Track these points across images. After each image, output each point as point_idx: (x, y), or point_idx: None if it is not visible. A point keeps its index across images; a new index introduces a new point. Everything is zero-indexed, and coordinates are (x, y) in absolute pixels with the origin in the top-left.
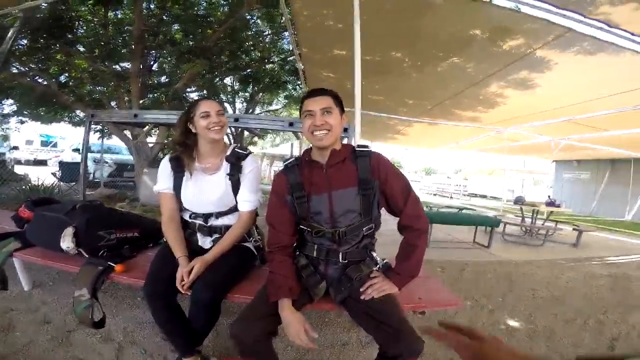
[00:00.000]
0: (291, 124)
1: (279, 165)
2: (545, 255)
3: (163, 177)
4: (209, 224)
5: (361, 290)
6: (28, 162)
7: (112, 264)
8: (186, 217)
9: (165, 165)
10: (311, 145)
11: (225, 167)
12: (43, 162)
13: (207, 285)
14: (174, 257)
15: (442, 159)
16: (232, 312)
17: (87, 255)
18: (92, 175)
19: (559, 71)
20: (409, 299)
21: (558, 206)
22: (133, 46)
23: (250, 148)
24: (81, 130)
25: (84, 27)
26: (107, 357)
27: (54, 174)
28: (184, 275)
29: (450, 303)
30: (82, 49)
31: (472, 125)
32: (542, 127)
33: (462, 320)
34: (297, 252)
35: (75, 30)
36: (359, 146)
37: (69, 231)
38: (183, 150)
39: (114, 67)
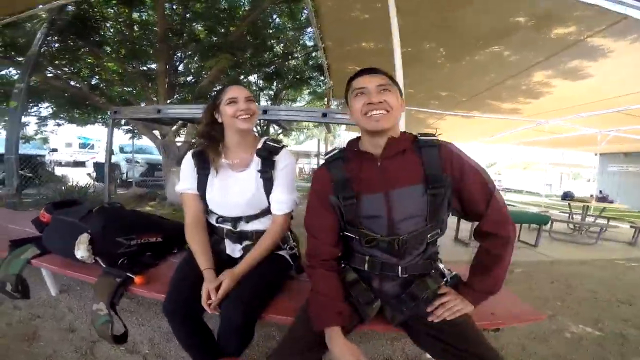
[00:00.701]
0: (324, 115)
1: (303, 163)
2: (600, 255)
3: (186, 176)
4: (238, 229)
5: (428, 310)
6: (68, 164)
7: (131, 275)
8: (212, 221)
9: (187, 162)
10: (360, 134)
11: (256, 162)
12: (81, 164)
13: (238, 304)
14: (199, 267)
15: (475, 153)
16: (265, 327)
17: (103, 265)
18: (125, 175)
19: (613, 60)
20: (480, 315)
21: (611, 202)
22: (157, 46)
23: None
24: (115, 132)
25: (111, 29)
26: None
27: (89, 175)
28: (211, 292)
29: (532, 317)
30: (108, 49)
31: (510, 118)
32: (587, 118)
33: (522, 328)
34: (344, 265)
35: (101, 32)
36: (422, 134)
37: (83, 238)
38: (208, 144)
39: (141, 67)
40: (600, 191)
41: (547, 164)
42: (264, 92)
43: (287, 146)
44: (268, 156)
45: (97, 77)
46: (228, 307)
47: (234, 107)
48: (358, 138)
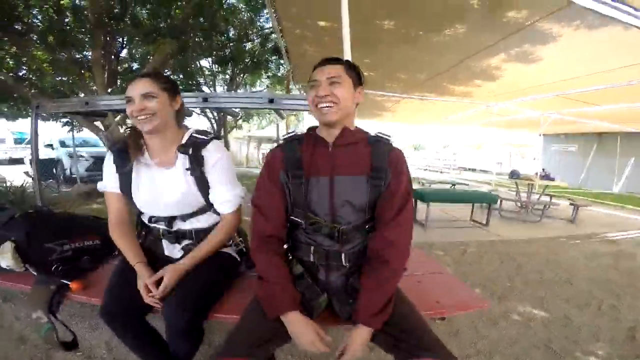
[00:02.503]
0: (271, 101)
1: (267, 148)
2: (544, 233)
3: (107, 174)
4: (174, 229)
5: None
6: (2, 162)
7: (66, 281)
8: (146, 220)
9: (108, 160)
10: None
11: (182, 160)
12: (19, 161)
13: (181, 306)
14: None
15: (430, 135)
16: (220, 324)
17: (34, 273)
18: (68, 171)
19: (558, 45)
20: (425, 304)
21: (553, 179)
22: (92, 32)
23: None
24: (53, 125)
25: (38, 16)
26: None
27: (26, 173)
28: (150, 286)
29: (475, 305)
30: (35, 37)
31: (463, 101)
32: (531, 101)
33: (472, 313)
34: (290, 257)
35: (25, 19)
36: (379, 132)
37: (7, 247)
38: (127, 140)
39: (76, 56)
40: (543, 169)
41: (497, 143)
42: (219, 77)
43: (218, 137)
44: (194, 151)
45: (25, 67)
46: (171, 311)
47: (129, 107)
48: (317, 126)
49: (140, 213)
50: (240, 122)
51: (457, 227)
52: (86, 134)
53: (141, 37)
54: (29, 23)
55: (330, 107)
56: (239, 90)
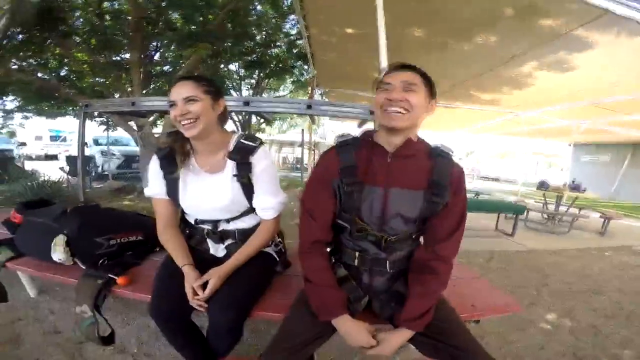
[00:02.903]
0: (309, 107)
1: (287, 152)
2: (572, 244)
3: (153, 180)
4: (219, 229)
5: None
6: (39, 158)
7: (113, 276)
8: (191, 221)
9: (154, 166)
10: (378, 126)
11: (231, 165)
12: (54, 157)
13: (226, 305)
14: None
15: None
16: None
17: (83, 267)
18: (100, 168)
19: (594, 53)
20: (460, 307)
21: (583, 191)
22: (131, 35)
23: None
24: (88, 123)
25: (80, 18)
26: None
27: (61, 169)
28: (197, 289)
29: (510, 308)
30: (78, 40)
31: (490, 109)
32: (562, 110)
33: (500, 318)
34: (334, 261)
35: (69, 22)
36: (440, 145)
37: (59, 240)
38: (174, 146)
39: (113, 58)
40: (573, 180)
41: (523, 153)
42: (245, 81)
43: (264, 143)
44: (243, 159)
45: (66, 68)
46: (217, 309)
47: (173, 111)
48: (374, 130)
49: (184, 213)
50: (264, 125)
51: (481, 236)
52: (118, 133)
53: (178, 41)
54: (71, 25)
55: (402, 113)
56: (263, 94)
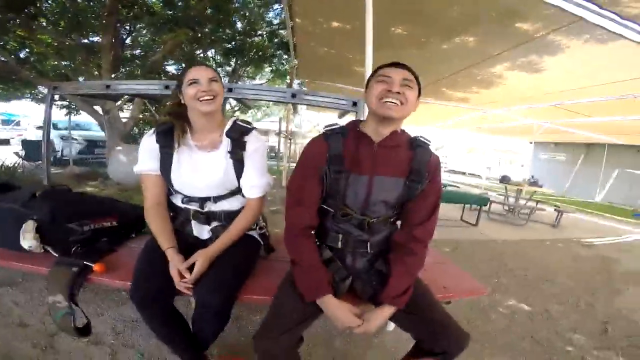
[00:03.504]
0: (294, 95)
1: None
2: (529, 235)
3: (146, 156)
4: (205, 210)
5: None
6: None
7: (89, 263)
8: (177, 202)
9: (149, 141)
10: (368, 116)
11: (226, 143)
12: (5, 142)
13: (213, 287)
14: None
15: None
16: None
17: (55, 255)
18: (60, 153)
19: (565, 56)
20: (433, 289)
21: (541, 186)
22: (105, 18)
23: None
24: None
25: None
26: None
27: (16, 153)
28: (183, 272)
29: (478, 291)
30: (45, 22)
31: (462, 106)
32: (526, 110)
33: (465, 304)
34: (318, 243)
35: (37, 3)
36: (420, 137)
37: (29, 226)
38: (174, 122)
39: (82, 40)
40: (532, 176)
41: (488, 149)
42: (222, 67)
43: (256, 128)
44: (239, 137)
45: (28, 50)
46: (204, 292)
47: (194, 88)
48: (360, 120)
49: (170, 194)
50: (237, 113)
51: (447, 226)
52: (78, 117)
53: (157, 25)
54: (39, 7)
55: (398, 104)
56: (239, 82)
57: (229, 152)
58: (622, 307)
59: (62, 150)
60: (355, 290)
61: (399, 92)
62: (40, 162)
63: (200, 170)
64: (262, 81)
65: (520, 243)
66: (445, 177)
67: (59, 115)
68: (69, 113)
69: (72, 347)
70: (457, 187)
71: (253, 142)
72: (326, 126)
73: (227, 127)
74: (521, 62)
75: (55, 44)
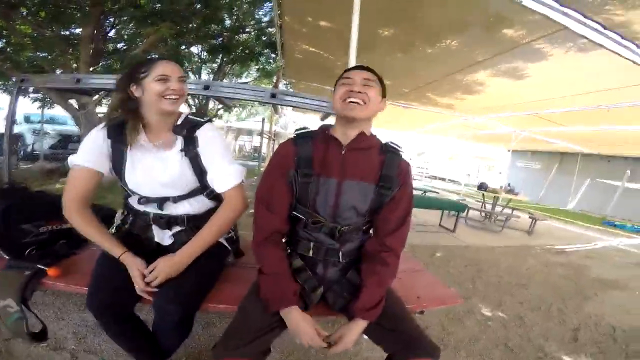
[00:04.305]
0: (273, 95)
1: (245, 140)
2: (504, 242)
3: (90, 148)
4: (165, 212)
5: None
6: None
7: (42, 266)
8: (134, 203)
9: (98, 136)
10: (336, 120)
11: (179, 141)
12: None
13: (173, 298)
14: None
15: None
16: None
17: (7, 257)
18: (30, 147)
19: (548, 64)
20: (407, 298)
21: (517, 194)
22: (88, 9)
23: (216, 122)
24: (21, 100)
25: None
26: None
27: None
28: (138, 277)
29: (451, 300)
30: (26, 11)
31: (444, 112)
32: (505, 117)
33: (440, 310)
34: (290, 251)
35: None
36: (390, 142)
37: None
38: (129, 118)
39: (62, 32)
40: (509, 184)
41: (468, 156)
42: (207, 65)
43: (212, 120)
44: (189, 132)
45: (4, 40)
46: (161, 303)
47: (163, 85)
48: (330, 125)
49: (128, 196)
50: (221, 112)
51: (426, 231)
52: (54, 111)
53: (141, 18)
54: None
55: (361, 104)
56: (224, 80)
57: (181, 150)
58: (592, 313)
59: (32, 145)
60: (327, 301)
61: (360, 92)
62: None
63: (155, 170)
64: (248, 80)
65: (495, 249)
66: (425, 183)
67: (32, 108)
68: (41, 106)
69: (30, 352)
70: (437, 192)
71: (205, 134)
72: (296, 130)
73: (178, 122)
74: (505, 69)
75: (35, 34)
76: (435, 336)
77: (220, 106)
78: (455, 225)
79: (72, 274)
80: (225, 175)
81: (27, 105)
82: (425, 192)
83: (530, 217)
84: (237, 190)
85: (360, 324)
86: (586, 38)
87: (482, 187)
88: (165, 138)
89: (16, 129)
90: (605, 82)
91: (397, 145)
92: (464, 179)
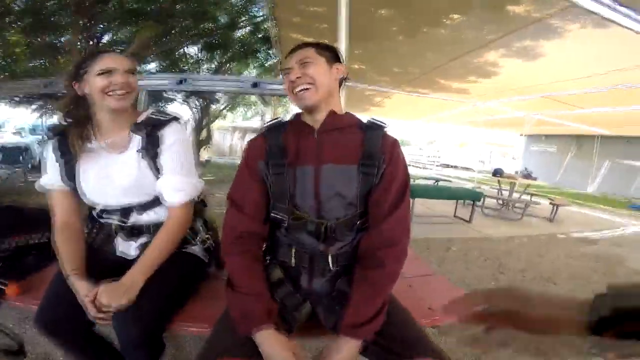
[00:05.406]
0: (255, 85)
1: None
2: (525, 231)
3: (50, 167)
4: (129, 222)
5: None
6: None
7: (2, 283)
8: (95, 214)
9: (49, 150)
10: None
11: (137, 141)
12: None
13: (132, 318)
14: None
15: (416, 131)
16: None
17: None
18: (37, 159)
19: (561, 43)
20: (416, 311)
21: (535, 179)
22: (73, 15)
23: (220, 122)
24: (22, 110)
25: None
26: None
27: None
28: (87, 304)
29: None
30: (9, 19)
31: (452, 99)
32: (517, 101)
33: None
34: (268, 261)
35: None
36: (372, 118)
37: None
38: (70, 125)
39: (53, 40)
40: (525, 168)
41: (480, 142)
42: (205, 65)
43: (179, 118)
44: (151, 131)
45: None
46: (122, 322)
47: (106, 80)
48: (301, 112)
49: (92, 209)
50: (225, 111)
51: (441, 222)
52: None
53: (121, 19)
54: (5, 4)
55: (307, 89)
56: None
57: (138, 150)
58: None
59: (39, 156)
60: (318, 319)
61: (299, 77)
62: (18, 169)
63: (110, 175)
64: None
65: (514, 239)
66: (437, 171)
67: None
68: (41, 116)
69: None
70: (450, 181)
71: (170, 136)
72: (267, 122)
73: (138, 120)
74: (516, 48)
75: (26, 43)
76: (451, 350)
77: (223, 107)
78: (472, 215)
79: (36, 291)
80: (174, 189)
81: (33, 117)
82: (437, 181)
83: (551, 204)
84: (182, 209)
85: (351, 344)
86: (597, 14)
87: (497, 172)
88: (118, 139)
89: (23, 141)
90: (622, 61)
91: (380, 121)
92: (477, 166)
